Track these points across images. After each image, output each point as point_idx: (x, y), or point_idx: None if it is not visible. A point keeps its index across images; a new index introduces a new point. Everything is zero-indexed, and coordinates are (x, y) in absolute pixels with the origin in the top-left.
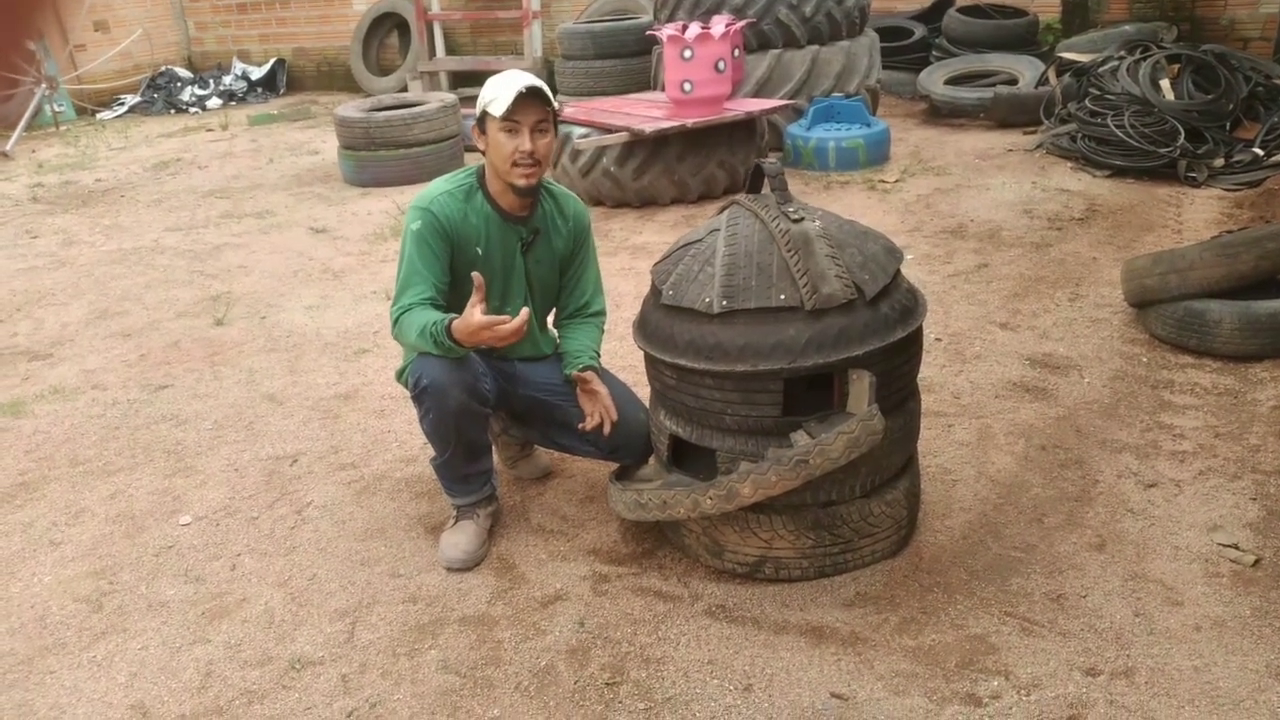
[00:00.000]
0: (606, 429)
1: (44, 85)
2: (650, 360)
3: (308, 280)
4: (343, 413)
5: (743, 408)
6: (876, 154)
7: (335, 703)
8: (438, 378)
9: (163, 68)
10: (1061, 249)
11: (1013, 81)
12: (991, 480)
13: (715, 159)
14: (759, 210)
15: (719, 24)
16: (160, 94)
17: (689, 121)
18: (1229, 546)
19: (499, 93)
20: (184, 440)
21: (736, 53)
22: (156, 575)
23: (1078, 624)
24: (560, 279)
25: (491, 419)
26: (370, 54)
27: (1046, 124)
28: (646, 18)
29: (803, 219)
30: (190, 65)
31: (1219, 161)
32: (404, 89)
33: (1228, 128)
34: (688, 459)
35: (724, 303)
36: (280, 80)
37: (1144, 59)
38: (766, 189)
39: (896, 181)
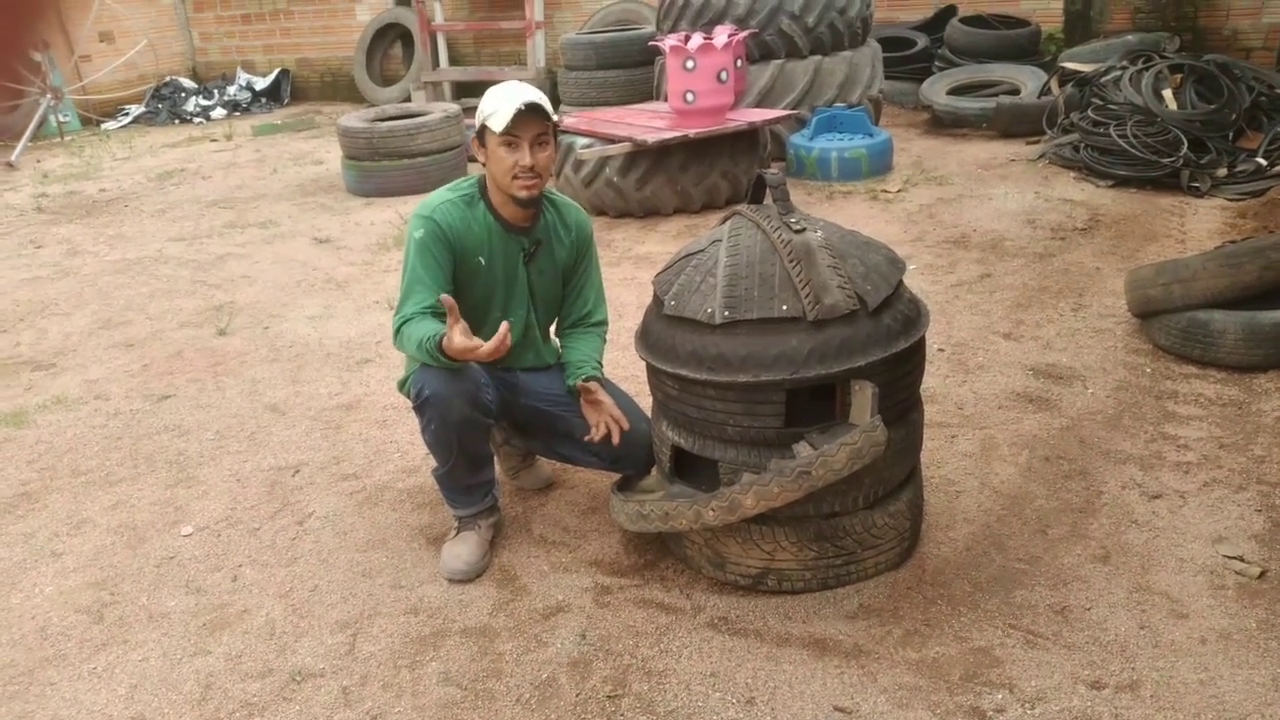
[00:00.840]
0: (615, 438)
1: (49, 96)
2: (652, 371)
3: (311, 290)
4: (345, 423)
5: (745, 419)
6: (879, 164)
7: (336, 715)
8: (439, 388)
9: (167, 78)
10: (1064, 259)
11: (1015, 92)
12: (995, 491)
13: (718, 169)
14: (761, 221)
15: (721, 34)
16: (165, 104)
17: (692, 132)
18: (1234, 558)
19: (498, 106)
20: (186, 450)
21: (739, 63)
22: (158, 586)
23: (1082, 636)
24: (563, 289)
25: (494, 429)
26: (374, 64)
27: (1049, 134)
28: (649, 28)
29: (805, 229)
30: (195, 76)
31: (1222, 171)
32: (407, 99)
33: (1231, 138)
34: (690, 470)
35: (726, 313)
36: (284, 91)
37: (1146, 69)
38: (769, 199)
39: (899, 191)
